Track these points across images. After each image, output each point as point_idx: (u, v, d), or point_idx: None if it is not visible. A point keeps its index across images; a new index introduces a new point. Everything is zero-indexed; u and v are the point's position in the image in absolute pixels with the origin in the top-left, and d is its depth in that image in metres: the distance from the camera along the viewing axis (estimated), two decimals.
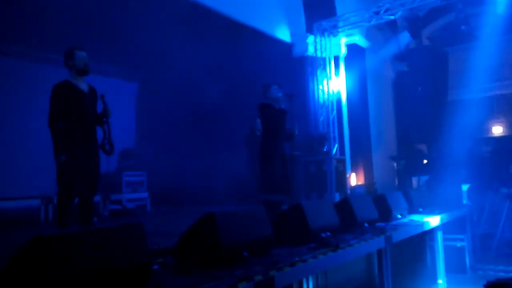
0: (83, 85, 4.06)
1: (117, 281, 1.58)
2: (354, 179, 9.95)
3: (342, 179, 8.89)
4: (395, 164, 8.79)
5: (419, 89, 10.04)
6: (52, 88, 3.93)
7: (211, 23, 7.29)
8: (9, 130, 5.33)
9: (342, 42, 9.65)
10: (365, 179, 10.31)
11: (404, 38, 9.63)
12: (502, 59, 10.85)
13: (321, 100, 9.47)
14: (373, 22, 8.71)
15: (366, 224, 3.42)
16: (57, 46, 4.61)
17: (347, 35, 9.54)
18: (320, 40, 9.30)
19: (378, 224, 3.65)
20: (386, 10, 8.32)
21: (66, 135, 3.90)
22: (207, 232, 2.13)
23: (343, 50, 9.77)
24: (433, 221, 4.22)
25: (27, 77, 5.35)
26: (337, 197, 7.81)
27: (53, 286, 1.36)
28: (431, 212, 4.63)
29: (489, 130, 12.87)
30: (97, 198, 6.06)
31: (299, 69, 9.20)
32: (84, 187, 3.98)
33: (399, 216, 4.05)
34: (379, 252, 3.08)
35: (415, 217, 4.25)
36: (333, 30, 9.18)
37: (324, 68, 9.38)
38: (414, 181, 8.35)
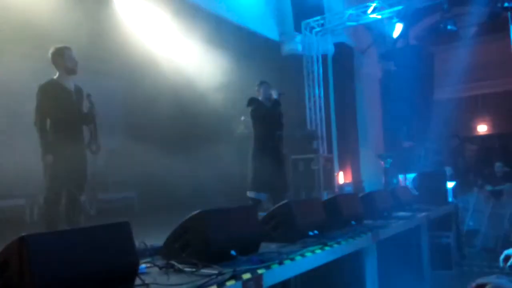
0: (69, 84, 4.03)
1: (104, 281, 1.57)
2: (342, 177, 10.03)
3: (330, 177, 8.96)
4: (382, 162, 8.88)
5: (405, 88, 10.15)
6: (38, 87, 3.89)
7: (198, 20, 7.26)
8: None
9: (330, 41, 9.71)
10: (353, 177, 10.41)
11: (391, 37, 9.73)
12: (487, 58, 11.04)
13: (309, 98, 9.51)
14: (361, 21, 8.78)
15: (353, 222, 3.45)
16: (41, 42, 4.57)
17: (335, 34, 9.61)
18: (308, 39, 9.34)
19: (366, 221, 3.69)
20: (374, 10, 8.40)
21: (52, 134, 3.88)
22: (195, 230, 2.13)
23: (331, 49, 9.83)
24: (419, 218, 4.28)
25: (10, 73, 5.28)
26: (325, 196, 7.86)
27: (39, 286, 1.34)
28: (417, 209, 4.69)
29: (474, 128, 13.08)
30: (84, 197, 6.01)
31: (287, 68, 9.23)
32: (71, 186, 3.96)
33: (386, 213, 4.10)
34: (366, 249, 3.12)
35: (402, 215, 4.30)
36: (321, 29, 9.23)
37: (312, 67, 9.43)
38: (401, 179, 8.44)
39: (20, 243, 1.40)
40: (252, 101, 5.10)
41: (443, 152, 8.88)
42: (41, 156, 3.84)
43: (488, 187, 7.24)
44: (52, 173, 3.82)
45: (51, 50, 3.96)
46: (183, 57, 7.72)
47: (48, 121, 3.92)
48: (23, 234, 1.41)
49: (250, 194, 4.97)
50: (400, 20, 8.70)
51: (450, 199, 6.11)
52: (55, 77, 3.98)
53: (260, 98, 5.15)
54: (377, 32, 10.55)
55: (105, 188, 6.69)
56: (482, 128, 13.00)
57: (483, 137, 12.02)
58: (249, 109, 5.14)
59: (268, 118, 5.07)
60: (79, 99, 4.11)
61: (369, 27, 10.22)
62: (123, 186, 7.28)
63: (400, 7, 8.09)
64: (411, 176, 8.63)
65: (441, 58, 11.72)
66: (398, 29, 9.04)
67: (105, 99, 4.54)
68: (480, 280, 1.16)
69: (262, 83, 5.20)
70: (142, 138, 7.37)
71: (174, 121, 7.52)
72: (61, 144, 3.83)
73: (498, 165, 8.02)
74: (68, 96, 3.99)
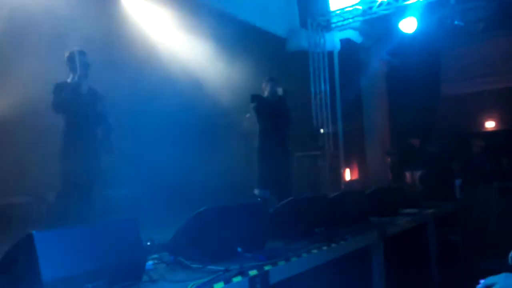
0: (82, 87, 4.12)
1: (112, 277, 1.58)
2: (348, 174, 10.00)
3: (336, 174, 8.93)
4: (388, 158, 8.83)
5: (412, 83, 10.08)
6: (53, 88, 4.07)
7: (202, 16, 7.26)
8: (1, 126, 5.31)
9: (336, 37, 9.65)
10: (359, 174, 10.38)
11: (398, 33, 9.64)
12: (495, 53, 10.91)
13: (314, 95, 9.48)
14: (367, 17, 8.72)
15: (360, 219, 3.45)
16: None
17: (341, 30, 9.55)
18: (314, 35, 9.29)
19: (372, 218, 3.68)
20: (380, 5, 8.34)
21: (66, 133, 4.00)
22: (201, 227, 2.14)
23: (337, 45, 9.77)
24: (426, 215, 4.26)
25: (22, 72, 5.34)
26: (331, 193, 7.83)
27: (47, 282, 1.36)
28: (424, 206, 4.67)
29: (482, 124, 12.97)
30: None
31: (292, 64, 9.20)
32: (83, 184, 4.08)
33: (392, 210, 4.09)
34: (373, 246, 3.11)
35: (409, 211, 4.28)
36: (326, 25, 9.18)
37: (318, 63, 9.39)
38: (408, 175, 8.40)
39: (28, 240, 1.41)
40: (254, 98, 5.09)
41: (451, 148, 8.82)
42: (59, 154, 4.02)
43: (496, 184, 7.18)
44: (65, 170, 3.92)
45: (66, 54, 4.17)
46: (188, 53, 7.73)
47: (63, 121, 4.08)
48: (31, 231, 1.42)
49: (257, 192, 4.97)
50: (412, 14, 8.62)
51: (457, 195, 6.07)
52: (68, 79, 4.16)
53: (265, 94, 5.13)
54: (383, 27, 10.47)
55: (112, 185, 6.72)
56: (490, 124, 12.87)
57: (491, 133, 11.91)
58: (252, 105, 5.13)
59: (272, 114, 5.06)
60: (92, 100, 4.24)
61: (376, 22, 10.15)
62: (130, 183, 7.30)
63: (407, 2, 8.03)
64: (418, 172, 8.59)
65: (448, 54, 11.62)
66: (411, 24, 8.91)
67: (111, 95, 4.57)
68: (488, 280, 1.15)
69: (270, 79, 5.19)
70: (149, 134, 7.39)
71: (179, 118, 7.53)
72: (75, 142, 4.00)
73: (505, 162, 7.95)
74: (79, 97, 4.11)
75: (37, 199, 6.07)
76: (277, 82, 5.19)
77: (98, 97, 4.32)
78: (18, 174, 5.66)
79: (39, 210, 6.05)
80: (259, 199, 4.84)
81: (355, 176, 10.30)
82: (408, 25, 8.83)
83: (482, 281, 1.15)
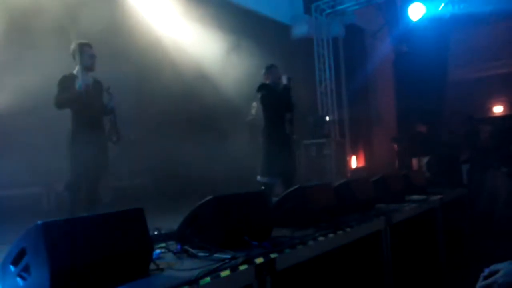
0: (87, 78, 4.18)
1: (119, 266, 1.60)
2: (354, 162, 9.98)
3: (342, 162, 8.92)
4: (395, 145, 8.79)
5: (419, 69, 9.97)
6: (58, 80, 4.10)
7: (207, 4, 7.20)
8: (10, 116, 5.35)
9: (341, 23, 9.54)
10: (366, 161, 10.34)
11: (404, 18, 9.51)
12: (502, 37, 10.74)
13: (320, 83, 9.42)
14: (372, 2, 8.61)
15: (366, 206, 3.44)
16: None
17: (346, 16, 9.43)
18: (319, 22, 9.19)
19: (378, 205, 3.68)
20: None
21: (75, 126, 4.04)
22: (207, 216, 2.15)
23: (342, 31, 9.66)
24: (433, 201, 4.24)
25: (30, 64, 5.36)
26: (337, 180, 7.83)
27: (56, 272, 1.37)
28: (431, 192, 4.65)
29: (490, 109, 12.83)
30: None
31: (297, 52, 9.13)
32: (91, 175, 4.13)
33: (399, 197, 4.08)
34: (379, 233, 3.11)
35: (415, 198, 4.27)
36: (331, 11, 9.08)
37: (323, 50, 9.31)
38: (415, 162, 8.36)
39: (36, 230, 1.43)
40: (262, 87, 5.06)
41: (458, 134, 8.75)
42: (68, 145, 4.07)
43: (504, 169, 7.12)
44: (75, 161, 3.96)
45: (72, 46, 4.18)
46: (193, 43, 7.69)
47: (70, 113, 4.13)
48: (38, 221, 1.44)
49: (261, 179, 4.98)
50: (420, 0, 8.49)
51: (464, 181, 6.04)
52: (74, 71, 4.18)
53: (268, 82, 5.10)
54: (389, 13, 10.33)
55: (119, 176, 6.77)
56: (498, 109, 12.74)
57: (499, 118, 11.78)
58: (259, 94, 5.10)
59: (278, 103, 5.03)
60: (98, 92, 4.26)
61: (381, 8, 10.01)
62: (137, 173, 7.35)
63: None
64: (425, 159, 8.56)
65: (456, 38, 11.46)
66: (419, 10, 8.77)
67: (117, 87, 4.58)
68: (493, 267, 1.15)
69: (271, 66, 5.15)
70: (154, 125, 7.41)
71: (185, 108, 7.53)
72: (83, 134, 4.04)
73: None
74: (85, 89, 4.14)
75: (46, 189, 6.14)
76: (278, 69, 5.16)
77: (104, 88, 4.35)
78: (27, 165, 5.72)
79: (48, 200, 6.12)
80: (262, 187, 4.85)
81: (362, 164, 10.26)
82: (416, 11, 8.70)
83: (487, 270, 1.16)
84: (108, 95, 4.30)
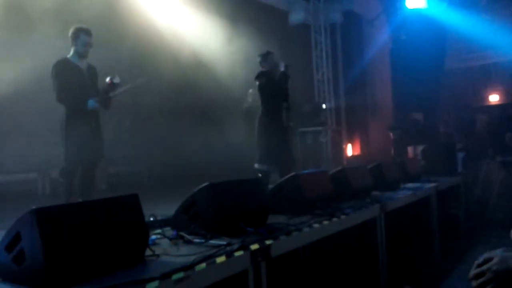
0: (81, 63, 4.18)
1: (115, 252, 1.60)
2: (350, 150, 10.00)
3: (338, 150, 8.93)
4: (391, 134, 8.80)
5: (416, 58, 9.93)
6: (52, 66, 4.05)
7: None
8: (4, 103, 5.30)
9: (338, 10, 9.45)
10: (362, 149, 10.36)
11: (401, 5, 9.44)
12: (499, 26, 10.69)
13: (317, 70, 9.37)
14: None
15: (361, 194, 3.46)
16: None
17: (344, 3, 9.35)
18: (316, 8, 9.11)
19: (374, 193, 3.69)
20: None
21: (70, 111, 3.99)
22: (203, 202, 2.15)
23: (340, 18, 9.58)
24: (428, 189, 4.27)
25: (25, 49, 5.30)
26: (333, 168, 7.85)
27: (50, 258, 1.37)
28: (426, 180, 4.68)
29: (485, 98, 12.85)
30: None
31: (294, 38, 9.06)
32: (87, 161, 4.11)
33: (394, 185, 4.09)
34: (374, 220, 3.13)
35: (410, 186, 4.29)
36: None
37: (320, 37, 9.24)
38: (410, 150, 8.38)
39: (31, 216, 1.42)
40: (261, 75, 5.02)
41: (453, 122, 8.77)
42: (65, 130, 4.03)
43: (499, 158, 7.16)
44: (70, 147, 3.93)
45: (71, 30, 4.13)
46: (190, 30, 7.61)
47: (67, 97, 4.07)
48: (33, 207, 1.43)
49: (258, 166, 4.99)
50: None
51: (459, 169, 6.07)
52: (68, 55, 4.14)
53: (265, 69, 5.07)
54: (388, 0, 10.24)
55: (114, 162, 6.76)
56: (494, 98, 12.75)
57: (495, 107, 11.80)
58: (257, 82, 5.07)
59: (276, 91, 5.01)
60: (92, 77, 4.21)
61: None
62: (133, 160, 7.34)
63: None
64: (420, 147, 8.57)
65: (453, 27, 11.40)
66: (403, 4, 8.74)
67: (112, 73, 4.53)
68: (487, 255, 1.15)
69: (267, 53, 5.11)
70: (151, 112, 7.37)
71: (181, 94, 7.49)
72: (78, 119, 4.01)
73: (509, 136, 7.90)
74: (79, 74, 4.14)
75: (41, 176, 6.13)
76: (275, 56, 5.13)
77: (97, 74, 4.32)
78: (22, 151, 5.69)
79: (43, 186, 6.11)
80: (259, 174, 4.86)
81: (358, 152, 10.29)
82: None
83: (481, 257, 1.16)
84: (110, 79, 4.24)
